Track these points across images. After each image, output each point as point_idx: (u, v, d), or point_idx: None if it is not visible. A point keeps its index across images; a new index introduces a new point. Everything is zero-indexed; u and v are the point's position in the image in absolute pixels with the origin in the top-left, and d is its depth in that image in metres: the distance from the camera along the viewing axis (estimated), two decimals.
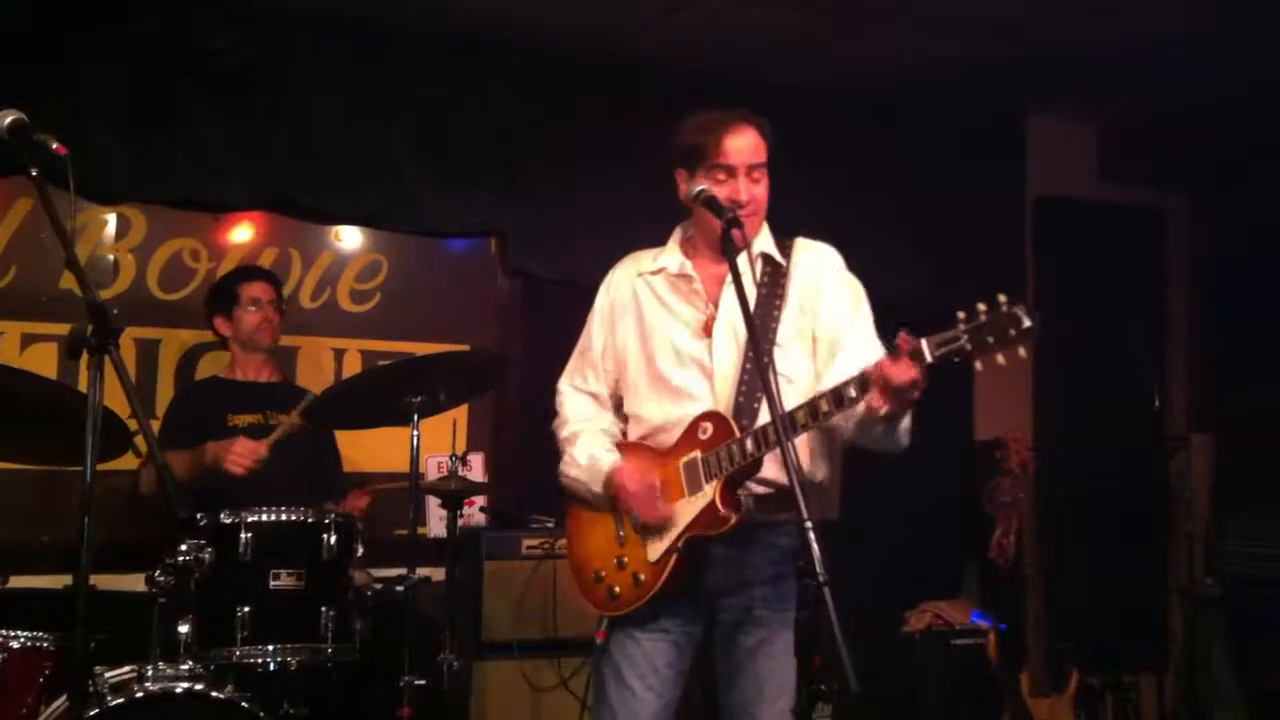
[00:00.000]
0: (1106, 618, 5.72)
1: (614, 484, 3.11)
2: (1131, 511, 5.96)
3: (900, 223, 5.77)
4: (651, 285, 3.26)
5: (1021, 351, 2.67)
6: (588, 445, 3.22)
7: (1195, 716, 5.82)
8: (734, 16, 4.94)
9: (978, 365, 2.71)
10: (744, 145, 3.08)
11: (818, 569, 2.46)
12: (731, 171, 3.07)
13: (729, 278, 3.03)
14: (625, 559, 3.10)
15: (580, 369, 3.36)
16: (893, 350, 2.74)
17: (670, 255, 3.27)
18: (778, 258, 3.21)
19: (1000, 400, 5.95)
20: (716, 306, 3.17)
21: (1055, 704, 5.13)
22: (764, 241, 3.22)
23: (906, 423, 2.91)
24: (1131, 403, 5.73)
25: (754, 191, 3.10)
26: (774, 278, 3.18)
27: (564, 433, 3.30)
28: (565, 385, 3.38)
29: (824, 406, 2.83)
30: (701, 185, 3.03)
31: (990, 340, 2.65)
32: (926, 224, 5.82)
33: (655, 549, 3.05)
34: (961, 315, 2.73)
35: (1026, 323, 2.65)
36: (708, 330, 3.16)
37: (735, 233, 2.90)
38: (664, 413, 3.16)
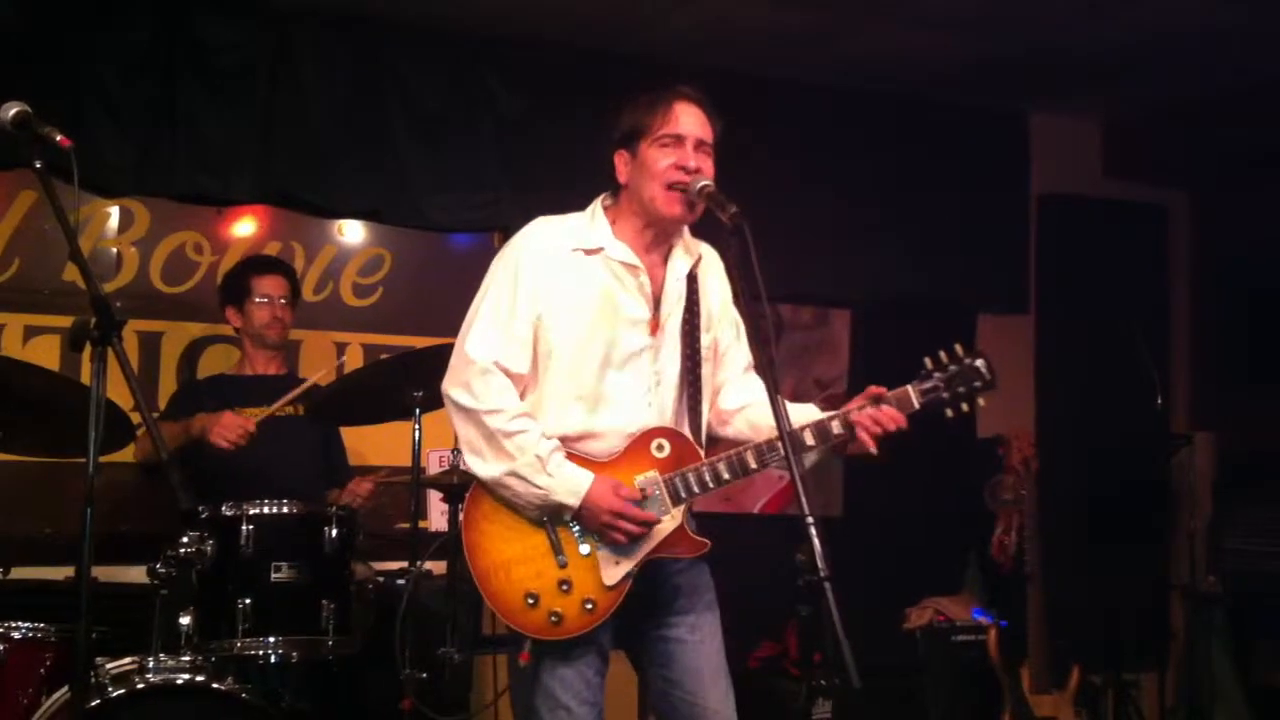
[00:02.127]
0: (1107, 615, 5.72)
1: (601, 502, 2.81)
2: (1133, 509, 5.96)
3: (904, 220, 5.78)
4: (589, 268, 2.93)
5: (981, 402, 2.88)
6: (551, 452, 2.82)
7: (1196, 713, 5.82)
8: (735, 13, 4.94)
9: (948, 413, 2.90)
10: (693, 118, 2.92)
11: (820, 565, 2.44)
12: (680, 140, 2.89)
13: (669, 272, 2.97)
14: (570, 581, 2.83)
15: (504, 343, 2.88)
16: (874, 401, 2.86)
17: (603, 233, 2.96)
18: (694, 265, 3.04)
19: (1002, 398, 5.90)
20: (658, 305, 2.96)
21: (1056, 701, 5.13)
22: (689, 238, 3.06)
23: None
24: (1133, 400, 5.73)
25: (704, 164, 2.92)
26: (691, 282, 3.01)
27: (504, 425, 2.83)
28: (489, 362, 2.86)
29: (809, 440, 2.86)
30: (702, 181, 2.86)
31: (961, 390, 2.87)
32: (930, 221, 5.83)
33: (613, 573, 2.84)
34: (929, 363, 2.90)
35: (988, 376, 2.87)
36: (653, 331, 2.94)
37: (735, 221, 2.73)
38: (599, 421, 2.89)
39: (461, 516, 2.95)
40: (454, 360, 2.94)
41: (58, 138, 2.70)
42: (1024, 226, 6.21)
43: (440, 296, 5.60)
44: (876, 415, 2.85)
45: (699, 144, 2.92)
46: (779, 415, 2.58)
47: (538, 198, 5.14)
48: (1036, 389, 6.16)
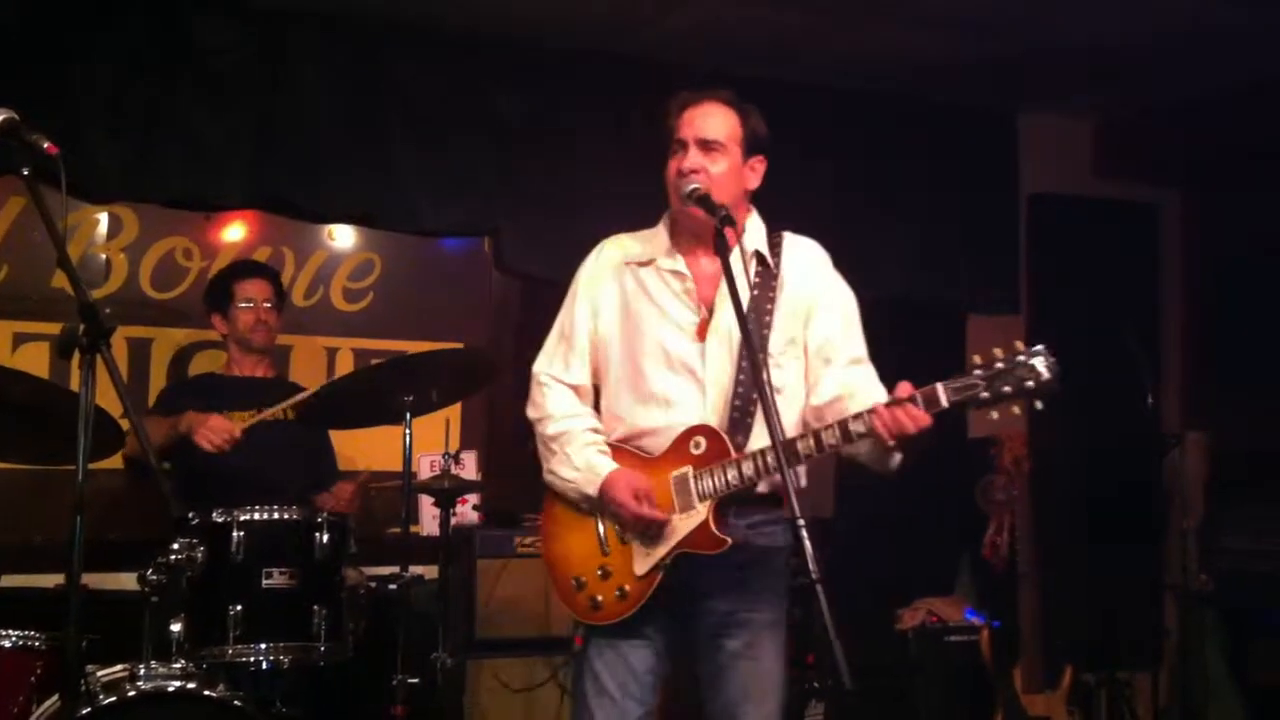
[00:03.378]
0: (1100, 615, 5.73)
1: (610, 492, 2.96)
2: (1125, 509, 5.96)
3: (895, 219, 5.77)
4: (640, 278, 3.09)
5: (1038, 404, 2.68)
6: (581, 446, 3.04)
7: (1189, 713, 5.83)
8: (730, 14, 4.93)
9: (993, 415, 2.73)
10: (699, 118, 3.00)
11: (811, 567, 2.45)
12: (684, 145, 2.99)
13: (723, 281, 2.95)
14: (609, 569, 2.98)
15: (562, 356, 3.14)
16: (894, 400, 2.76)
17: (659, 245, 3.11)
18: (768, 257, 3.10)
19: (1028, 407, 5.95)
20: (710, 310, 3.03)
21: (1049, 701, 5.14)
22: (755, 236, 3.11)
23: (900, 456, 2.88)
24: (1125, 400, 5.73)
25: (700, 163, 2.97)
26: (765, 279, 3.06)
27: (550, 429, 3.09)
28: (545, 375, 3.15)
29: (829, 439, 2.82)
30: (692, 185, 2.93)
31: (1007, 390, 2.68)
32: (921, 220, 5.82)
33: (643, 563, 2.94)
34: (977, 359, 2.75)
35: (1046, 375, 2.66)
36: (701, 335, 3.02)
37: (728, 231, 2.85)
38: (649, 419, 3.02)
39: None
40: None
41: (45, 145, 2.69)
42: (1014, 226, 6.20)
43: (431, 301, 5.62)
44: (895, 415, 2.75)
45: (703, 144, 2.99)
46: (771, 420, 2.63)
47: (530, 201, 5.16)
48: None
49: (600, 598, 2.98)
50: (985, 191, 6.07)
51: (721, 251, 2.83)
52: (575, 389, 3.14)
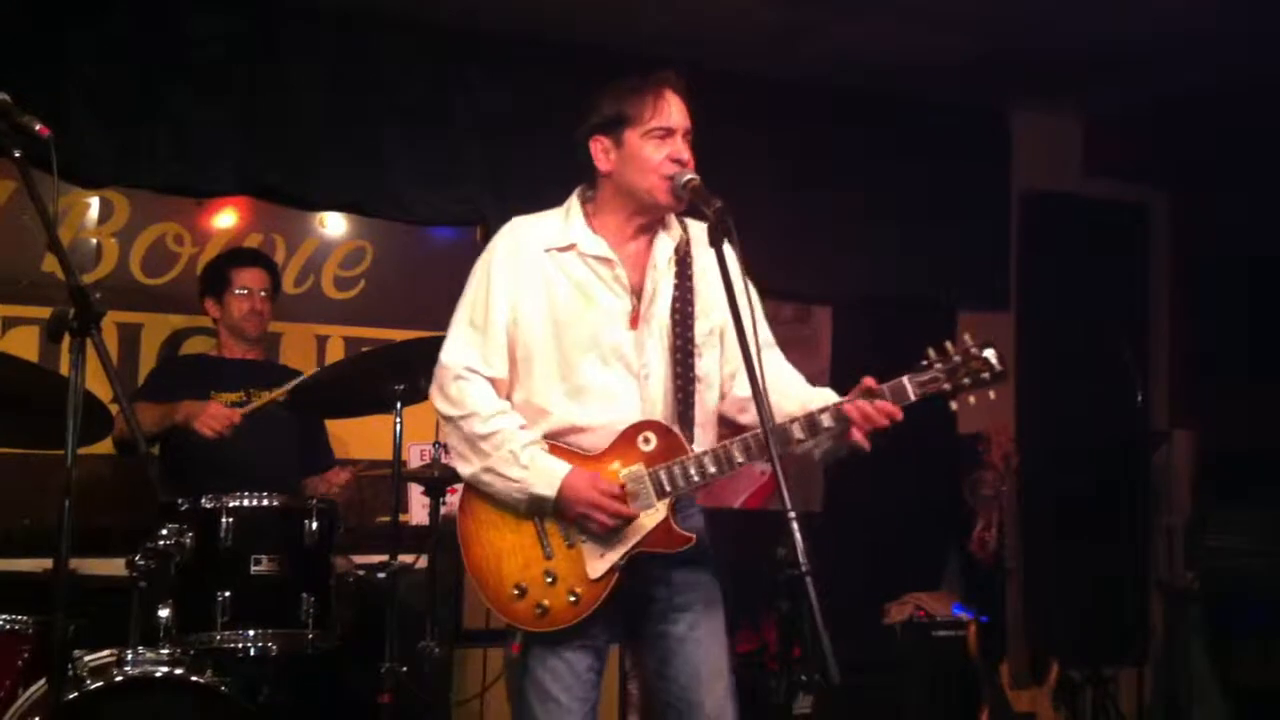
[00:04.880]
0: (1086, 611, 5.75)
1: (576, 493, 2.81)
2: (1112, 506, 5.98)
3: (886, 217, 5.79)
4: (562, 265, 2.94)
5: (991, 394, 2.83)
6: (523, 445, 2.84)
7: (1173, 709, 5.85)
8: (726, 10, 4.93)
9: (953, 405, 2.85)
10: (680, 108, 2.93)
11: (800, 560, 2.44)
12: (670, 132, 2.89)
13: (653, 264, 2.95)
14: (555, 573, 2.84)
15: (480, 349, 2.93)
16: (866, 395, 2.79)
17: (578, 229, 2.96)
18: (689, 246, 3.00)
19: (983, 394, 5.96)
20: (639, 296, 2.93)
21: (1035, 696, 5.15)
22: (674, 221, 3.02)
23: (843, 452, 2.91)
24: (1113, 397, 5.75)
25: (687, 153, 2.91)
26: (682, 268, 2.97)
27: (479, 427, 2.87)
28: (462, 367, 2.92)
29: (797, 433, 2.81)
30: (688, 175, 2.85)
31: (966, 382, 2.82)
32: (912, 218, 5.84)
33: (597, 566, 2.83)
34: (932, 353, 2.84)
35: (998, 367, 2.83)
36: (634, 323, 2.92)
37: (719, 216, 2.74)
38: (585, 414, 2.89)
39: (456, 509, 2.97)
40: (436, 369, 2.99)
41: (36, 127, 2.68)
42: (1005, 224, 6.22)
43: (422, 289, 5.60)
44: (866, 409, 2.77)
45: (685, 133, 2.92)
46: (762, 410, 2.57)
47: (519, 192, 5.15)
48: (1017, 385, 6.17)
49: (547, 603, 2.84)
50: (977, 189, 6.09)
51: (717, 244, 2.75)
52: (493, 382, 2.94)
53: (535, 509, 2.86)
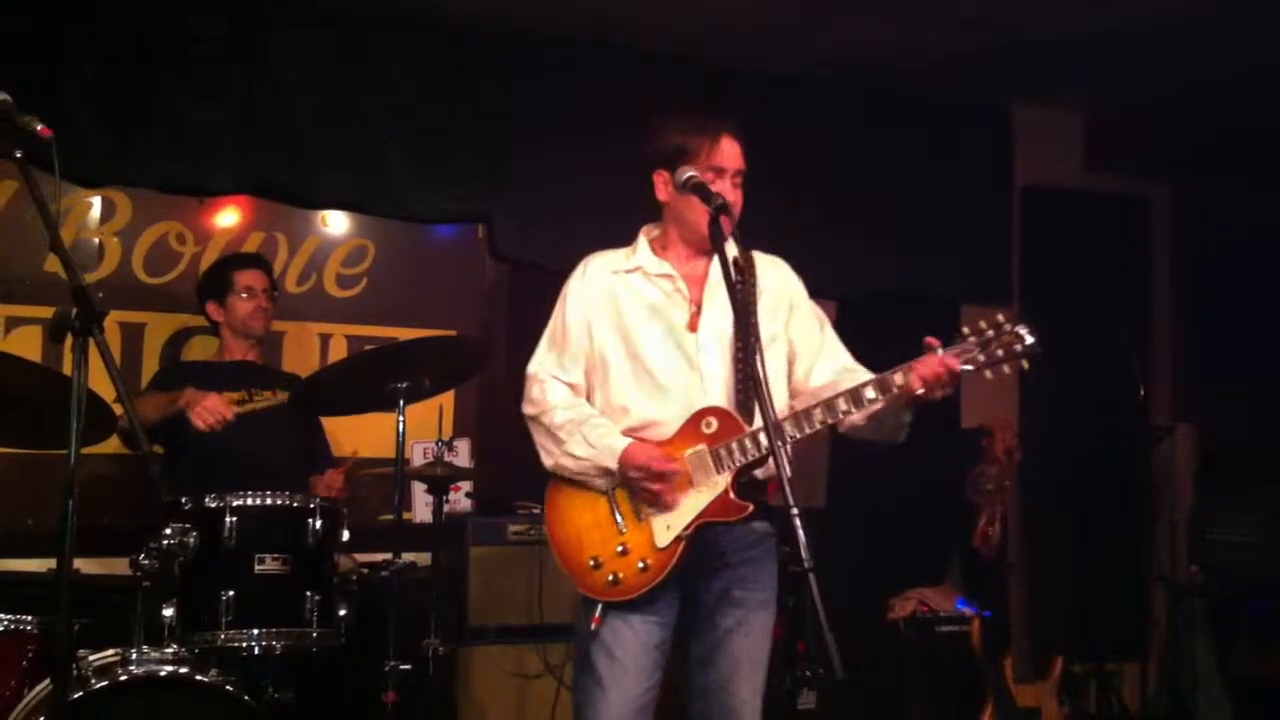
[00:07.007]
0: (1089, 605, 5.75)
1: (631, 460, 3.07)
2: (1115, 500, 5.98)
3: (887, 212, 5.78)
4: (629, 284, 3.26)
5: (1024, 365, 2.99)
6: (594, 426, 3.16)
7: (1177, 703, 5.85)
8: (719, 6, 4.93)
9: (987, 374, 3.02)
10: (734, 151, 3.19)
11: (804, 555, 2.51)
12: (720, 173, 3.16)
13: (709, 278, 3.22)
14: (627, 545, 3.10)
15: (558, 358, 3.28)
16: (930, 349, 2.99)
17: (643, 255, 3.28)
18: (742, 264, 3.26)
19: (985, 388, 5.92)
20: (699, 306, 3.22)
21: (1039, 690, 5.16)
22: (733, 249, 3.23)
23: (909, 417, 3.13)
24: (1116, 392, 5.75)
25: (737, 195, 3.19)
26: (745, 281, 3.21)
27: (557, 418, 3.20)
28: (543, 373, 3.28)
29: (842, 405, 3.02)
30: (691, 172, 3.09)
31: (999, 354, 2.98)
32: (913, 213, 5.83)
33: (664, 535, 3.08)
34: (967, 330, 3.03)
35: (1029, 340, 2.99)
36: (692, 327, 3.20)
37: (724, 219, 2.98)
38: (658, 409, 3.16)
39: (544, 505, 3.28)
40: (524, 382, 3.33)
41: (38, 127, 2.69)
42: (1006, 218, 6.22)
43: (425, 287, 5.62)
44: (931, 364, 2.96)
45: (735, 174, 3.20)
46: (764, 406, 2.79)
47: (519, 190, 5.16)
48: (1019, 380, 6.17)
49: (620, 574, 3.09)
50: (978, 184, 6.09)
51: (717, 239, 3.00)
52: (572, 386, 3.26)
53: (606, 485, 3.15)
